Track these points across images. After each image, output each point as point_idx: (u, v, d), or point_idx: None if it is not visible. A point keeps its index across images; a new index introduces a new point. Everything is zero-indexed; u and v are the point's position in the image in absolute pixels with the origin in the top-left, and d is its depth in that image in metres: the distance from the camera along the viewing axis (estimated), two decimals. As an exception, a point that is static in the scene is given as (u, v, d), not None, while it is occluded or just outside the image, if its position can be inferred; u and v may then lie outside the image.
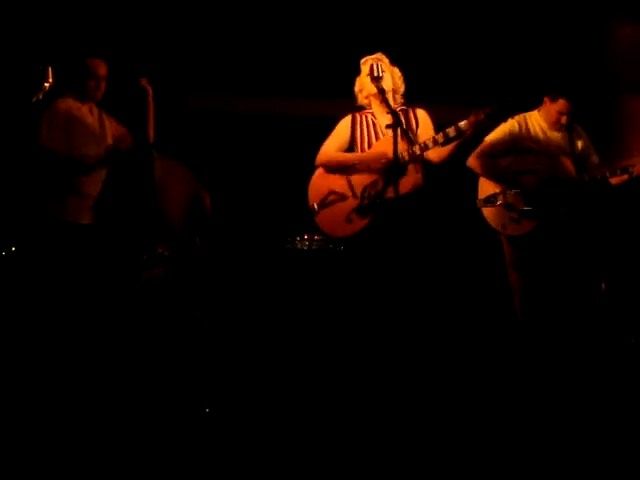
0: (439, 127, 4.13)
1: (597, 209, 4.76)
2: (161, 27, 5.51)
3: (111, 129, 4.38)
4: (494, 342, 4.95)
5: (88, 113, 4.31)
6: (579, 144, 4.70)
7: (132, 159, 4.29)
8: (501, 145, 4.69)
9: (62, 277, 4.08)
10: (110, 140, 4.34)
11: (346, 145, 4.29)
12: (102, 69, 4.30)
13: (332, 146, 4.28)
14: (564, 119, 4.69)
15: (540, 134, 4.70)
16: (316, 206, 4.21)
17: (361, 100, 4.33)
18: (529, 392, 4.17)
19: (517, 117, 4.70)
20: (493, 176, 4.69)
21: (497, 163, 4.69)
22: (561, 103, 4.69)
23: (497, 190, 4.66)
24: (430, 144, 4.01)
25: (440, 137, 4.00)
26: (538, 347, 4.53)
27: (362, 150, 4.24)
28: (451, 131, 3.96)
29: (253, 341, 4.72)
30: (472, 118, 3.94)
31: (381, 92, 4.03)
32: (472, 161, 4.69)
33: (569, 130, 4.69)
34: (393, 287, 4.00)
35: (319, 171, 4.29)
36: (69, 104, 4.25)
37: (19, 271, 4.28)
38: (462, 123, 3.94)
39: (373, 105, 4.29)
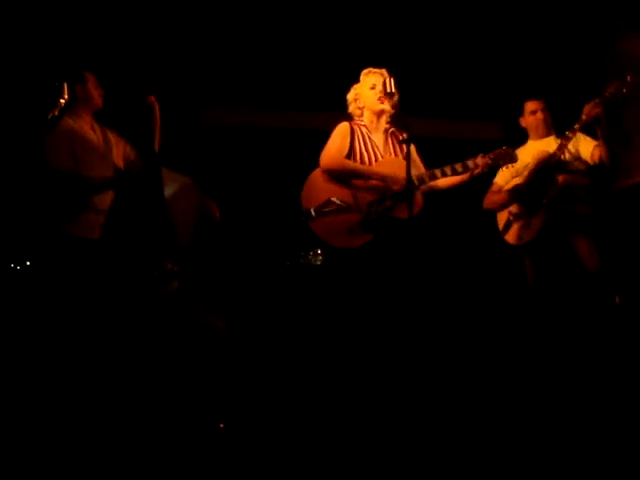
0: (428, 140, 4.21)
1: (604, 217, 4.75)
2: (174, 41, 5.55)
3: (117, 146, 4.37)
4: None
5: (90, 130, 4.28)
6: (572, 148, 4.68)
7: (141, 174, 4.29)
8: (503, 180, 4.89)
9: (74, 292, 4.07)
10: (116, 157, 4.33)
11: (346, 153, 4.23)
12: (91, 76, 4.28)
13: (340, 150, 4.20)
14: (539, 115, 4.77)
15: (534, 153, 4.74)
16: (313, 211, 4.12)
17: (353, 109, 4.33)
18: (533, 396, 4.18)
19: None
20: (501, 205, 4.86)
21: (502, 192, 4.86)
22: (529, 103, 4.82)
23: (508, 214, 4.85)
24: (438, 174, 4.12)
25: (448, 170, 4.11)
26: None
27: (360, 163, 4.21)
28: (459, 167, 4.11)
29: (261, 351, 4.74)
30: (479, 160, 4.10)
31: (396, 108, 4.13)
32: (485, 202, 4.93)
33: (561, 136, 4.66)
34: (402, 303, 3.98)
35: (319, 174, 4.21)
36: (70, 124, 4.22)
37: (32, 285, 4.29)
38: (470, 162, 4.11)
39: (367, 119, 4.30)
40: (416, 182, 3.99)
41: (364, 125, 4.29)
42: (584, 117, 4.38)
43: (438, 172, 4.13)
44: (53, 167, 4.11)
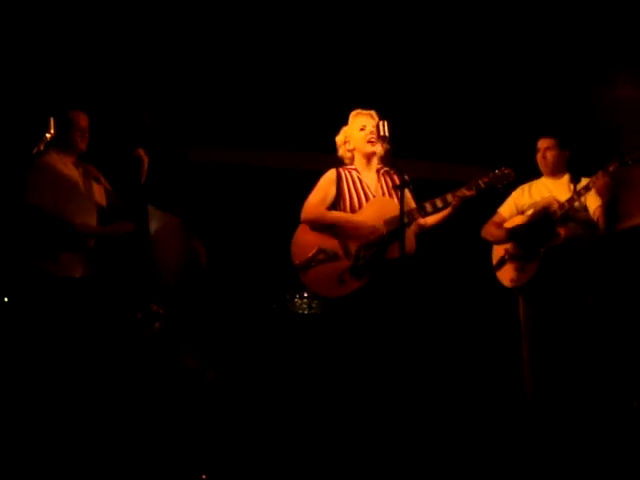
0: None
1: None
2: (161, 78, 5.52)
3: (98, 184, 4.30)
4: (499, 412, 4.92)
5: (73, 168, 4.21)
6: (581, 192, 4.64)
7: (123, 211, 4.21)
8: (507, 212, 4.79)
9: (55, 331, 3.97)
10: (97, 195, 4.25)
11: (332, 201, 4.18)
12: (84, 120, 4.22)
13: (319, 203, 4.16)
14: (549, 155, 4.67)
15: (544, 191, 4.68)
16: (303, 265, 4.07)
17: (343, 152, 4.29)
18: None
19: (524, 185, 4.78)
20: (499, 239, 4.75)
21: (502, 227, 4.76)
22: (540, 141, 4.72)
23: (504, 251, 4.74)
24: (429, 209, 4.07)
25: (439, 202, 4.07)
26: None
27: (351, 207, 4.15)
28: (449, 198, 4.07)
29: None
30: (464, 190, 4.08)
31: (387, 151, 4.12)
32: (483, 231, 4.82)
33: (575, 180, 4.64)
34: (395, 348, 3.88)
35: (304, 227, 4.16)
36: (54, 159, 4.15)
37: (11, 323, 4.17)
38: (459, 192, 4.07)
39: (357, 161, 4.25)
40: (406, 219, 3.90)
41: (354, 168, 4.24)
42: (591, 185, 4.37)
43: (428, 205, 4.07)
44: (32, 204, 4.02)
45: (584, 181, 4.53)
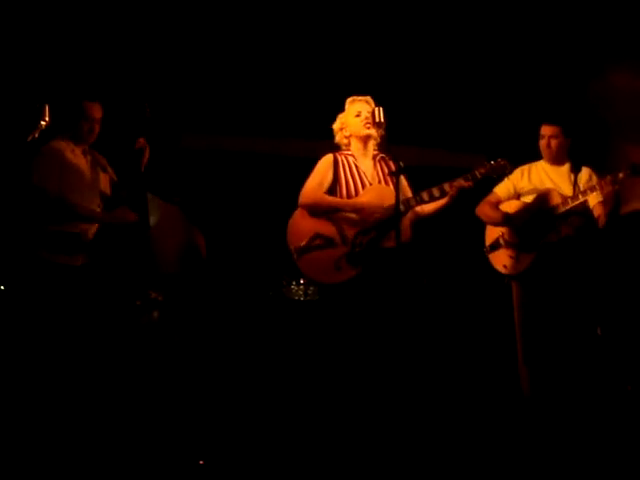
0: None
1: (591, 250, 4.70)
2: (157, 68, 5.52)
3: (104, 174, 4.30)
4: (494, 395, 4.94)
5: (81, 155, 4.22)
6: (582, 180, 4.63)
7: (126, 201, 4.22)
8: (504, 193, 4.75)
9: (54, 319, 3.98)
10: (102, 184, 4.26)
11: (329, 186, 4.16)
12: (97, 112, 4.22)
13: (317, 187, 4.14)
14: (553, 143, 4.63)
15: (544, 177, 4.67)
16: (299, 249, 4.05)
17: (340, 138, 4.27)
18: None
19: (523, 166, 4.74)
20: (493, 221, 4.72)
21: (498, 209, 4.72)
22: (544, 128, 4.68)
23: (499, 234, 4.69)
24: (426, 197, 4.05)
25: (436, 191, 4.05)
26: (542, 397, 4.47)
27: (348, 193, 4.14)
28: (446, 187, 4.04)
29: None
30: (462, 180, 4.03)
31: (382, 138, 4.11)
32: (477, 209, 4.78)
33: (575, 169, 4.63)
34: (390, 337, 3.89)
35: (301, 212, 4.14)
36: (63, 146, 4.16)
37: (9, 312, 4.19)
38: (456, 183, 4.03)
39: (354, 146, 4.25)
40: (402, 207, 3.91)
41: (350, 154, 4.24)
42: (597, 188, 4.35)
43: (425, 194, 4.08)
44: (38, 185, 4.03)
45: (585, 171, 4.54)
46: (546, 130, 4.67)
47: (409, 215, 4.12)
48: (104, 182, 4.28)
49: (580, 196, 4.44)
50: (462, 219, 4.95)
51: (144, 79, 5.33)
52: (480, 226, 4.80)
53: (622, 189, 4.44)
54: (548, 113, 5.08)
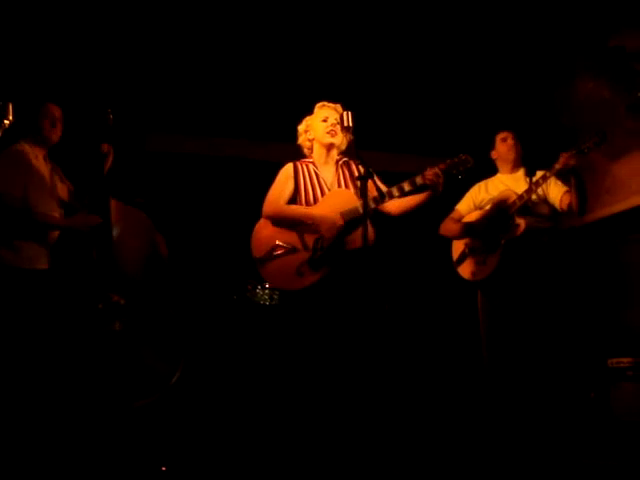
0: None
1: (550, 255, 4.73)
2: (123, 67, 5.45)
3: (62, 184, 4.26)
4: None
5: (43, 161, 4.17)
6: (539, 191, 4.65)
7: (89, 207, 4.16)
8: (465, 209, 4.86)
9: (18, 324, 3.89)
10: (61, 192, 4.21)
11: (290, 195, 4.18)
12: (57, 110, 4.18)
13: (280, 197, 4.15)
14: (510, 142, 4.74)
15: (501, 187, 4.72)
16: (262, 258, 4.06)
17: (303, 140, 4.28)
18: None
19: (479, 183, 4.86)
20: (456, 233, 4.80)
21: (460, 223, 4.81)
22: (502, 134, 4.80)
23: (464, 246, 4.77)
24: (396, 193, 4.00)
25: (395, 190, 4.01)
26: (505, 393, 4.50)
27: (306, 202, 4.14)
28: (406, 185, 4.00)
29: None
30: (428, 173, 3.96)
31: (350, 142, 4.09)
32: (441, 228, 4.87)
33: (530, 173, 4.67)
34: (352, 340, 3.88)
35: (264, 222, 4.16)
36: (27, 149, 4.11)
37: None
38: (418, 178, 3.98)
39: (316, 152, 4.24)
40: (372, 204, 3.94)
41: (311, 162, 4.24)
42: (558, 166, 4.37)
43: (395, 190, 4.01)
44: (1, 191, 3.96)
45: (539, 173, 4.57)
46: (504, 134, 4.79)
47: (391, 209, 4.14)
48: (63, 189, 4.25)
49: (533, 187, 4.49)
50: (427, 239, 5.04)
51: (107, 81, 5.26)
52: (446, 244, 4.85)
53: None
54: (503, 120, 5.16)
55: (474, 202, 4.81)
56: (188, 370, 4.25)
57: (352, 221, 3.96)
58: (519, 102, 5.92)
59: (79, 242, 4.13)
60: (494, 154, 4.83)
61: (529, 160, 4.78)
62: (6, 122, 3.55)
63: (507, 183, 4.72)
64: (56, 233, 4.16)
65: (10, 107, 3.56)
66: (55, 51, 5.25)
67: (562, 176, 4.51)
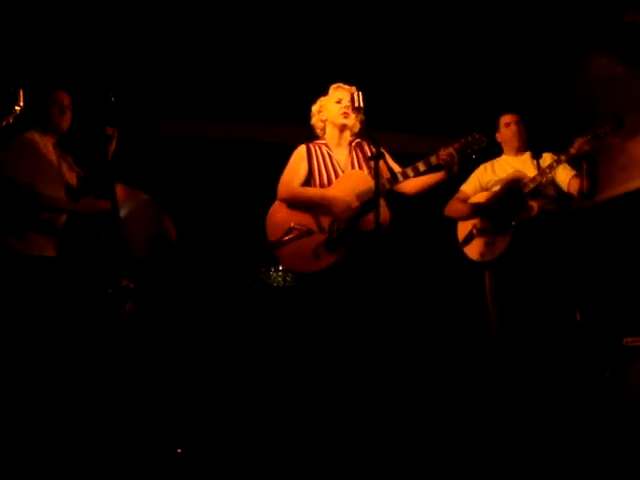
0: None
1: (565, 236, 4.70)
2: (133, 51, 5.45)
3: (71, 170, 4.27)
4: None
5: (52, 149, 4.19)
6: (546, 163, 4.62)
7: (96, 191, 4.17)
8: (471, 190, 4.80)
9: (28, 312, 3.91)
10: (69, 178, 4.23)
11: (304, 177, 4.18)
12: (66, 98, 4.20)
13: (294, 179, 4.15)
14: (514, 127, 4.71)
15: (508, 169, 4.68)
16: (277, 242, 4.06)
17: (316, 121, 4.29)
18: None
19: (485, 163, 4.81)
20: (464, 215, 4.75)
21: (467, 204, 4.75)
22: (505, 117, 4.76)
23: (471, 226, 4.72)
24: (411, 173, 4.02)
25: (410, 170, 4.02)
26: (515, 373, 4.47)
27: (321, 183, 4.14)
28: (421, 165, 4.01)
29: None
30: (442, 153, 3.98)
31: (362, 122, 4.06)
32: (446, 209, 4.82)
33: (536, 155, 4.66)
34: (369, 321, 3.86)
35: (279, 204, 4.16)
36: (36, 138, 4.13)
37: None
38: (432, 157, 4.00)
39: (329, 133, 4.25)
40: (387, 185, 3.96)
41: (324, 144, 4.24)
42: (573, 151, 4.33)
43: (409, 170, 4.03)
44: (8, 175, 3.98)
45: (546, 156, 4.56)
46: (508, 118, 4.75)
47: (405, 188, 4.16)
48: (71, 176, 4.25)
49: (547, 169, 4.46)
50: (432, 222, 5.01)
51: (118, 66, 5.26)
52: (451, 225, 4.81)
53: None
54: (508, 101, 5.13)
55: (480, 183, 4.76)
56: (201, 353, 4.28)
57: (368, 202, 3.95)
58: (532, 80, 5.87)
59: (86, 229, 4.13)
60: (499, 137, 4.79)
61: (539, 139, 4.74)
62: (17, 108, 3.58)
63: (514, 165, 4.68)
64: (63, 218, 4.17)
65: (21, 93, 3.59)
66: (65, 37, 5.24)
67: (574, 160, 4.48)
